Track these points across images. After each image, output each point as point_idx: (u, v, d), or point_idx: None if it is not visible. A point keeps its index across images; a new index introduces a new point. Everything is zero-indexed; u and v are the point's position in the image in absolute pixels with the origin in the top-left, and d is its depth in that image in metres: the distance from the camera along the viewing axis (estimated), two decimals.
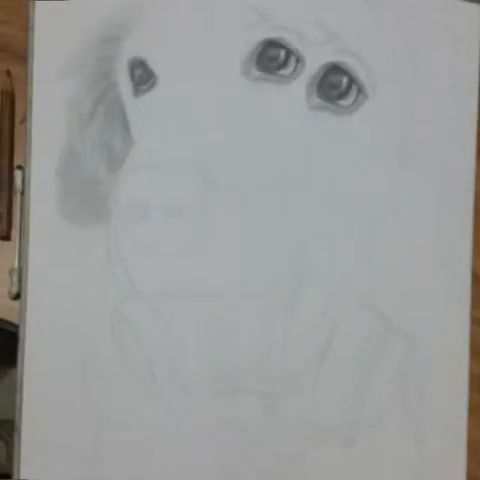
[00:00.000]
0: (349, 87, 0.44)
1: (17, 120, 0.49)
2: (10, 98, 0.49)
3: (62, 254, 0.44)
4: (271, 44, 0.45)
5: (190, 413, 0.42)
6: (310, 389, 0.43)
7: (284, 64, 0.45)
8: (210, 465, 0.42)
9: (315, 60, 0.45)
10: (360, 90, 0.45)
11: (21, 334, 0.43)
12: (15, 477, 0.40)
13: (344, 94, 0.44)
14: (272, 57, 0.45)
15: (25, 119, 0.47)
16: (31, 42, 0.47)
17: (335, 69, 0.44)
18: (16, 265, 0.46)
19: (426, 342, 0.44)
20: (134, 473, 0.42)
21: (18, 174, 0.47)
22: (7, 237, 0.47)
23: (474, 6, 0.46)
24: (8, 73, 0.49)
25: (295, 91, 0.45)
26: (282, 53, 0.45)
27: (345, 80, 0.44)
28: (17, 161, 0.48)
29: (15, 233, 0.47)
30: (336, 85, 0.44)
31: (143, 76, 0.46)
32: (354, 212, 0.45)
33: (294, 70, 0.45)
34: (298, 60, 0.45)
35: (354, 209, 0.45)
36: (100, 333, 0.43)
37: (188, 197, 0.43)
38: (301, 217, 0.44)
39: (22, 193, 0.46)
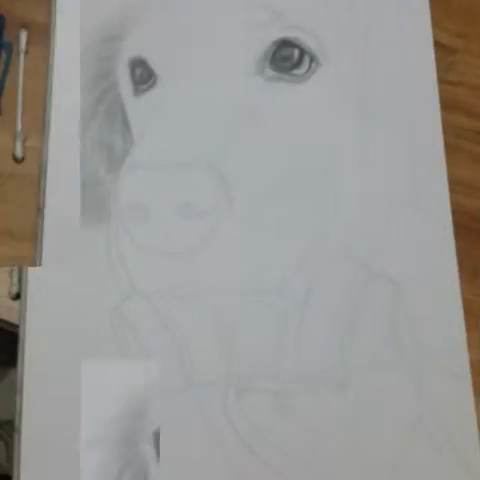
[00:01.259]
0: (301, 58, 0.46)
1: None
2: None
3: (62, 254, 0.44)
4: (285, 43, 0.45)
5: (195, 413, 0.42)
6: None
7: (298, 64, 0.45)
8: (220, 466, 0.42)
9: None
10: (312, 59, 0.46)
11: (21, 334, 0.42)
12: (15, 478, 0.40)
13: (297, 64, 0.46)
14: (286, 57, 0.45)
15: None
16: None
17: (285, 44, 0.46)
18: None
19: (412, 283, 0.45)
20: None
21: None
22: None
23: None
24: None
25: (309, 90, 0.46)
26: (296, 53, 0.45)
27: (296, 52, 0.46)
28: None
29: None
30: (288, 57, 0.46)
31: (143, 75, 0.46)
32: (324, 165, 0.46)
33: (308, 69, 0.46)
34: (312, 59, 0.46)
35: (324, 162, 0.46)
36: (100, 333, 0.43)
37: (191, 196, 0.43)
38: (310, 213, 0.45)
39: None
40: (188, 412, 0.42)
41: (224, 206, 0.43)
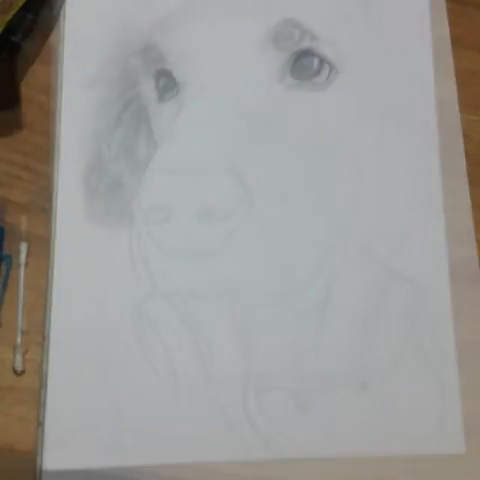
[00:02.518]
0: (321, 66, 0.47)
1: None
2: None
3: (86, 254, 0.45)
4: (305, 53, 0.47)
5: (214, 410, 0.42)
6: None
7: (318, 72, 0.46)
8: (239, 463, 0.42)
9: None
10: (332, 67, 0.47)
11: (46, 332, 0.44)
12: (39, 467, 0.41)
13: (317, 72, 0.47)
14: (306, 65, 0.46)
15: None
16: (61, 53, 0.49)
17: (306, 53, 0.47)
18: None
19: (432, 284, 0.45)
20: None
21: None
22: None
23: None
24: None
25: (329, 97, 0.47)
26: (315, 61, 0.47)
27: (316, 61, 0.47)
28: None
29: None
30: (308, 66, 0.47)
31: (167, 85, 0.48)
32: (344, 168, 0.46)
33: (328, 77, 0.47)
34: (331, 68, 0.47)
35: (344, 166, 0.47)
36: (122, 331, 0.44)
37: (212, 199, 0.44)
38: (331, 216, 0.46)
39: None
40: (207, 409, 0.42)
41: (245, 208, 0.44)
